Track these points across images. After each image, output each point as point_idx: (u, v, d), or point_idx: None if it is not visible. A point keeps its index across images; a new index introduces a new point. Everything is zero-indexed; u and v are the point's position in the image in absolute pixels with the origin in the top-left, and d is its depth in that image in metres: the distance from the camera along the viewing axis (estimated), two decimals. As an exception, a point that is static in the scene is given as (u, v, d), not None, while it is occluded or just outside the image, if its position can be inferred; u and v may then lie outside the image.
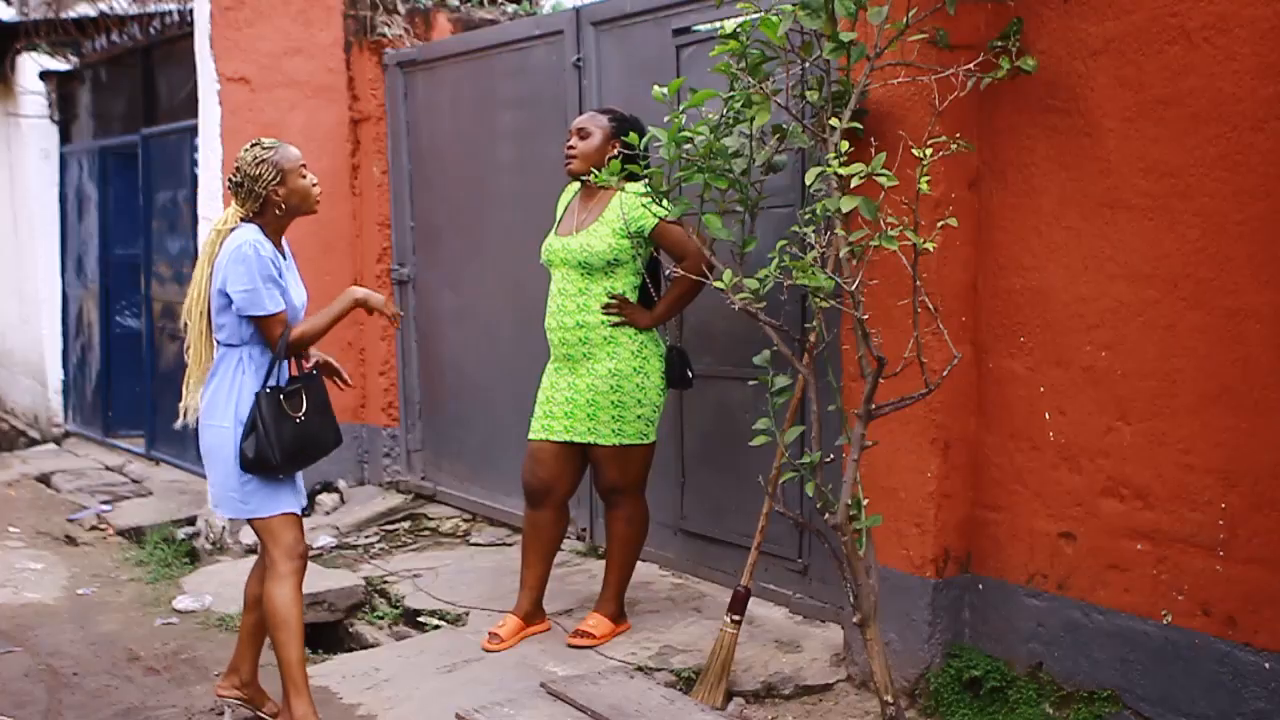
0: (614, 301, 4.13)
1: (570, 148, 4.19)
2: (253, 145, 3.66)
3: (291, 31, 6.25)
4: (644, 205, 3.89)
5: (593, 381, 4.14)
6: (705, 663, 3.89)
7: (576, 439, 4.17)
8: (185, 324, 3.76)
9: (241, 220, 3.66)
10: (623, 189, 3.98)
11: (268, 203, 3.64)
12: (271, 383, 3.64)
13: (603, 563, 4.46)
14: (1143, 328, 3.25)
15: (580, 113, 5.18)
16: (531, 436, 4.29)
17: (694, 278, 3.79)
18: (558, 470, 4.25)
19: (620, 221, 4.09)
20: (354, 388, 4.17)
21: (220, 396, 3.66)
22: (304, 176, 3.69)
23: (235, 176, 3.65)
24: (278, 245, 3.73)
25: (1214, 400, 3.12)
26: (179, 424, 3.89)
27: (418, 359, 6.49)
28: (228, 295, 3.59)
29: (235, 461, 3.62)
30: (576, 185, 4.36)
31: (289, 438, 3.62)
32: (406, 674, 4.15)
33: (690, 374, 4.27)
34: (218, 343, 3.70)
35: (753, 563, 3.92)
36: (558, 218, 4.38)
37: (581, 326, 4.13)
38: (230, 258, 3.57)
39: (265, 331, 3.63)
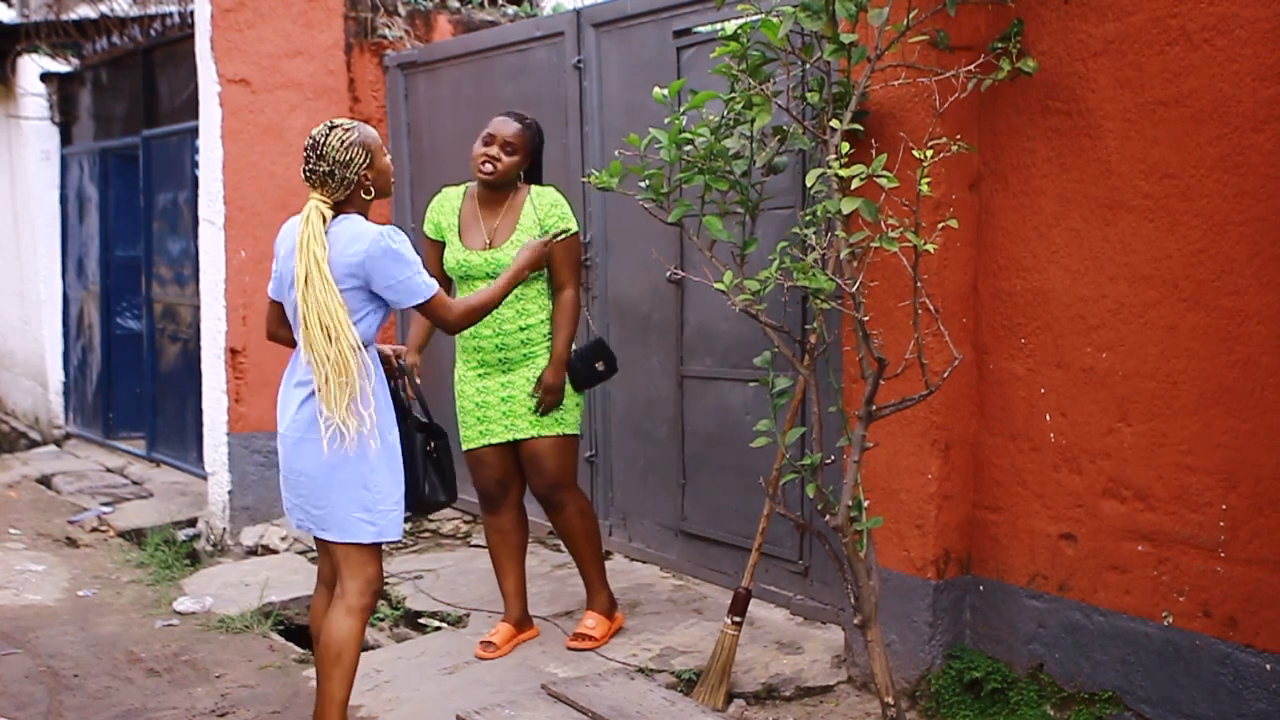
0: (542, 399, 4.12)
1: (494, 159, 4.07)
2: (331, 128, 3.33)
3: (292, 33, 6.25)
4: (563, 214, 4.10)
5: (532, 374, 4.12)
6: (706, 664, 3.89)
7: (519, 435, 4.14)
8: (306, 334, 3.28)
9: (331, 210, 3.33)
10: (530, 190, 4.11)
11: (357, 187, 3.34)
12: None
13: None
14: (1143, 329, 3.25)
15: (581, 115, 5.21)
16: (470, 446, 4.22)
17: (568, 314, 4.08)
18: (508, 468, 4.23)
19: (536, 225, 4.09)
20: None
21: None
22: (385, 154, 3.43)
23: (321, 165, 3.29)
24: None
25: (1215, 401, 3.12)
26: (345, 442, 3.31)
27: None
28: (363, 294, 3.31)
29: (370, 479, 3.32)
30: (459, 191, 4.26)
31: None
32: (407, 675, 4.15)
33: (599, 367, 4.22)
34: None
35: (753, 564, 3.92)
36: (450, 226, 4.20)
37: (524, 329, 4.10)
38: (368, 254, 3.24)
39: (432, 315, 3.39)
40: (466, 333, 4.12)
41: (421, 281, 3.32)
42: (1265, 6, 2.95)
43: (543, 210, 4.10)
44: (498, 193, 4.15)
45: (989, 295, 3.64)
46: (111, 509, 7.07)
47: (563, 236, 4.05)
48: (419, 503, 3.65)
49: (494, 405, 4.16)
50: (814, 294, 3.17)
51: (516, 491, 4.29)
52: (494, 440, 4.17)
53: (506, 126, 4.11)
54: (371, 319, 3.36)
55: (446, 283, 4.23)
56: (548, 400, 4.11)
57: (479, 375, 4.17)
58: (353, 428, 3.27)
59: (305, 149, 3.34)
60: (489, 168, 4.08)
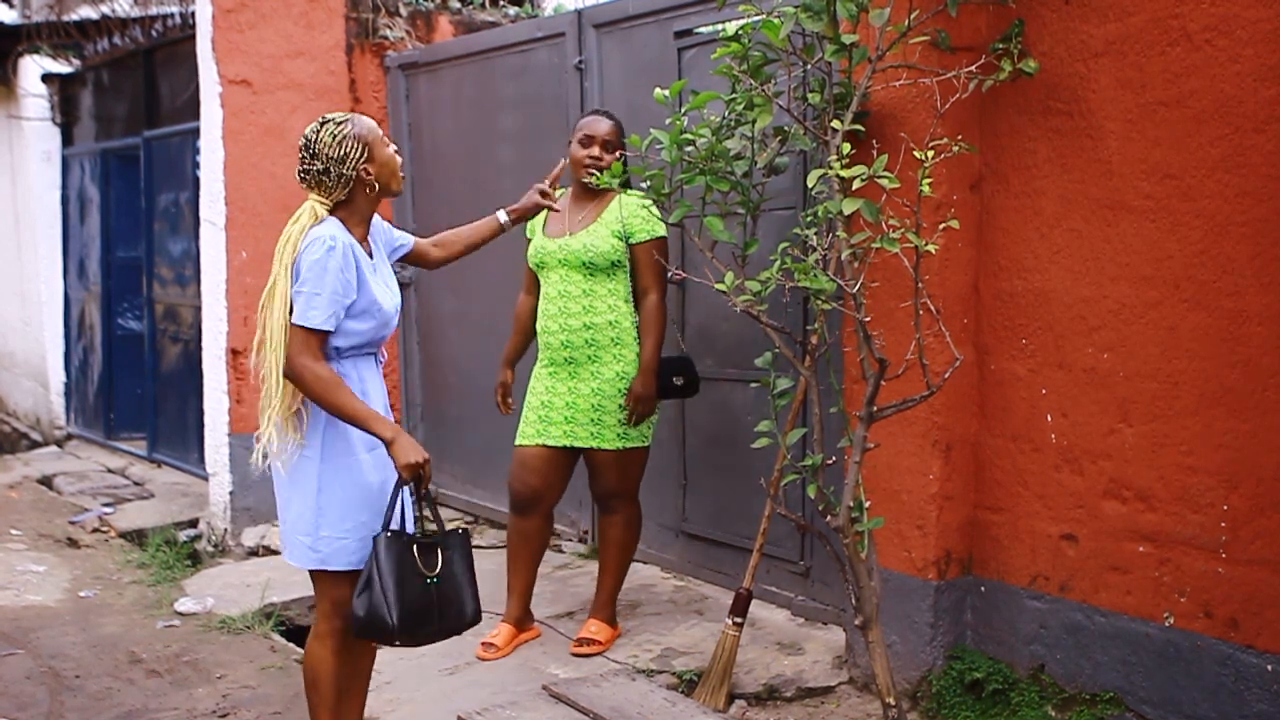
0: (632, 409, 4.08)
1: (597, 160, 4.09)
2: (322, 124, 3.08)
3: (293, 34, 6.25)
4: (647, 216, 4.05)
5: (599, 385, 4.11)
6: (707, 665, 3.89)
7: (578, 444, 4.14)
8: (259, 341, 3.09)
9: (329, 213, 3.10)
10: (623, 192, 4.01)
11: (358, 184, 3.09)
12: (397, 525, 3.09)
13: (606, 565, 4.46)
14: (1145, 330, 3.25)
15: (582, 115, 5.19)
16: (524, 442, 4.20)
17: (658, 318, 4.06)
18: (551, 477, 4.21)
19: (620, 225, 4.09)
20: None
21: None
22: (388, 145, 3.16)
23: (314, 164, 3.06)
24: (364, 238, 3.17)
25: (1216, 402, 3.11)
26: (258, 468, 3.18)
27: (420, 361, 6.49)
28: None
29: (314, 500, 3.10)
30: (557, 193, 4.32)
31: (413, 599, 3.02)
32: (408, 676, 4.15)
33: (677, 382, 4.23)
34: None
35: (754, 565, 3.92)
36: (540, 220, 4.28)
37: (589, 328, 4.11)
38: (302, 252, 3.02)
39: (294, 342, 2.99)
40: (541, 324, 4.18)
41: (317, 308, 2.99)
42: (1266, 7, 2.95)
43: (628, 210, 4.10)
44: (591, 191, 4.17)
45: (990, 296, 3.64)
46: (113, 509, 7.07)
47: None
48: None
49: (558, 408, 4.15)
50: (815, 295, 3.17)
51: (550, 502, 4.27)
52: (549, 442, 4.16)
53: (601, 125, 4.17)
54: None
55: (537, 282, 4.29)
56: (639, 410, 4.09)
57: (550, 374, 4.19)
58: (274, 443, 3.08)
59: (299, 149, 3.12)
60: (593, 168, 4.09)
